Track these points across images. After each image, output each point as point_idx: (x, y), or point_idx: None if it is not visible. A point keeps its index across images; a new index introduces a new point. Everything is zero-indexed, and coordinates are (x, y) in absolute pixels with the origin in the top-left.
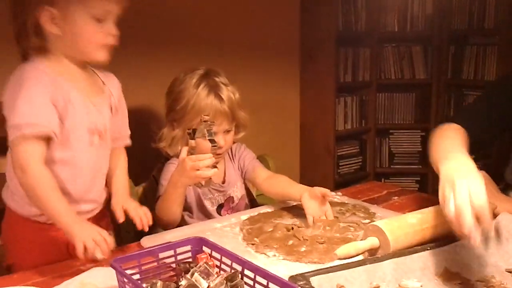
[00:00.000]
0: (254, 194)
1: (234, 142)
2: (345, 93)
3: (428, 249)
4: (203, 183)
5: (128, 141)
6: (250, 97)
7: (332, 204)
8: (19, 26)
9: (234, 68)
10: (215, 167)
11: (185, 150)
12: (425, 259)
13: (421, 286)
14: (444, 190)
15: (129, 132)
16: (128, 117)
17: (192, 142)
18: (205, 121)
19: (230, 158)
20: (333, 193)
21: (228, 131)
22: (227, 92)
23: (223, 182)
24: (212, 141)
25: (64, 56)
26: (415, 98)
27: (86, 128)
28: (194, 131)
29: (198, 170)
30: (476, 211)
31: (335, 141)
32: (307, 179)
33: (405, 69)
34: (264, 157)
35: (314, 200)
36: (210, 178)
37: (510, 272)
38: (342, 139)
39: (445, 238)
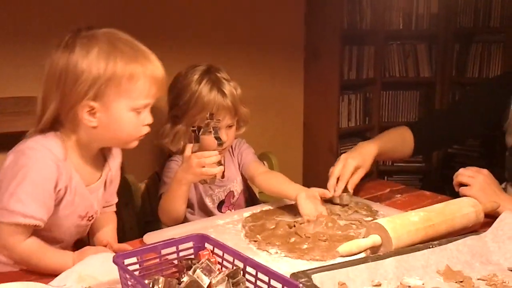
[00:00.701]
0: (257, 192)
1: (235, 138)
2: (349, 91)
3: (430, 247)
4: (208, 180)
5: (114, 208)
6: (254, 94)
7: (335, 202)
8: (53, 114)
9: (238, 65)
10: (220, 164)
11: (189, 147)
12: (427, 257)
13: (423, 284)
14: None
15: (116, 200)
16: None
17: (197, 139)
18: (211, 118)
19: (230, 153)
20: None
21: (230, 127)
22: (229, 87)
23: (223, 177)
24: (218, 138)
25: (87, 141)
26: (419, 96)
27: (77, 215)
28: (200, 128)
29: (204, 167)
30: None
31: (338, 139)
32: (310, 177)
33: (410, 67)
34: (267, 155)
35: (310, 200)
36: (215, 176)
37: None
38: (346, 137)
39: (447, 237)
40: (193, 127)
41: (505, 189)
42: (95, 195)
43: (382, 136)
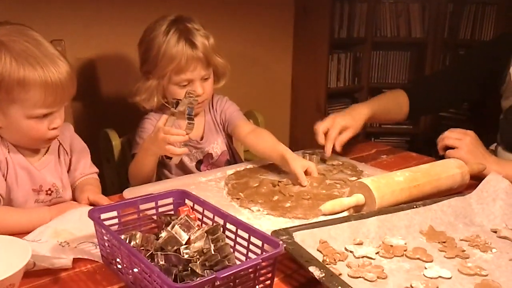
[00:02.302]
0: (242, 150)
1: (215, 94)
2: (339, 50)
3: (414, 207)
4: (171, 157)
5: (95, 175)
6: (241, 51)
7: (322, 161)
8: None
9: (225, 20)
10: (185, 145)
11: (164, 118)
12: (410, 217)
13: (405, 243)
14: None
15: (93, 170)
16: (110, 70)
17: (173, 110)
18: (189, 96)
19: (210, 111)
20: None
21: (205, 79)
22: (200, 37)
23: (201, 139)
24: (190, 119)
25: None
26: (410, 57)
27: (30, 189)
28: (178, 102)
29: (169, 143)
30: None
31: (326, 99)
32: (296, 136)
33: (402, 26)
34: (253, 112)
35: (297, 159)
36: (180, 155)
37: (494, 231)
38: (334, 96)
39: (432, 197)
40: (173, 99)
41: (495, 151)
42: (47, 169)
43: (376, 99)
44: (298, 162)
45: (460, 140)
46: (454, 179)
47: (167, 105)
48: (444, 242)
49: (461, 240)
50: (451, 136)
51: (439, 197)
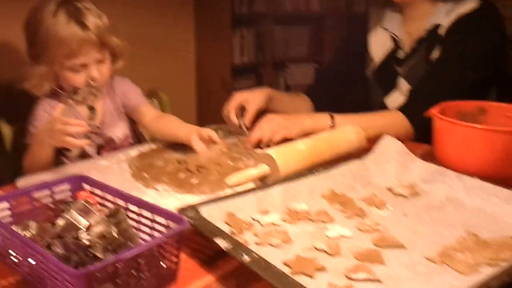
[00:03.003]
0: (147, 136)
1: (114, 75)
2: (241, 25)
3: (315, 173)
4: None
5: None
6: (141, 30)
7: (227, 136)
8: None
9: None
10: (88, 137)
11: (60, 107)
12: (312, 183)
13: (308, 208)
14: None
15: None
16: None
17: (71, 99)
18: (89, 85)
19: (109, 94)
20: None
21: (101, 62)
22: (92, 18)
23: (101, 124)
24: (91, 109)
25: None
26: (309, 31)
27: None
28: (76, 90)
29: (68, 135)
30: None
31: (231, 75)
32: (203, 114)
33: (300, 1)
34: (157, 92)
35: (204, 141)
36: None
37: (389, 190)
38: (239, 72)
39: (332, 163)
40: (71, 87)
41: None
42: None
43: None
44: (194, 132)
45: (271, 130)
46: (352, 144)
47: (61, 92)
48: (344, 203)
49: (359, 200)
50: (262, 133)
51: (338, 162)
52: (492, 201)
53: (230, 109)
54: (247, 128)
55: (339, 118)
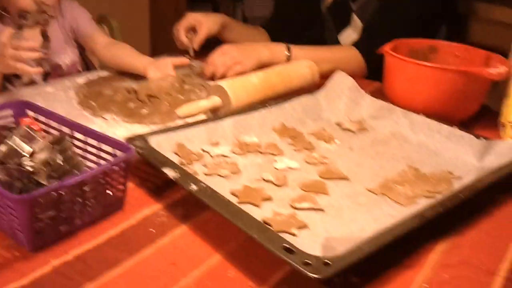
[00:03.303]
0: (97, 64)
1: None
2: None
3: (267, 106)
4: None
5: None
6: None
7: (179, 67)
8: None
9: None
10: (40, 65)
11: (8, 31)
12: (264, 116)
13: (259, 140)
14: None
15: None
16: None
17: (20, 26)
18: (42, 11)
19: (57, 18)
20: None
21: None
22: None
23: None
24: (45, 36)
25: None
26: None
27: None
28: (26, 15)
29: (20, 61)
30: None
31: (186, 3)
32: (156, 43)
33: None
34: (106, 18)
35: (161, 73)
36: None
37: (338, 125)
38: (194, 0)
39: (284, 97)
40: (19, 10)
41: None
42: None
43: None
44: (152, 63)
45: (224, 65)
46: (305, 78)
47: (5, 14)
48: (294, 136)
49: (309, 134)
50: (214, 67)
51: (291, 96)
52: (435, 137)
53: (180, 29)
54: (195, 51)
55: (295, 49)
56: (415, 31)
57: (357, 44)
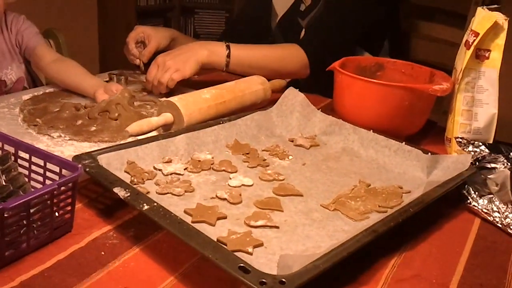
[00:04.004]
0: (44, 80)
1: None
2: None
3: (220, 123)
4: None
5: None
6: None
7: (130, 82)
8: None
9: None
10: None
11: None
12: (217, 133)
13: (212, 157)
14: None
15: None
16: None
17: None
18: None
19: (3, 32)
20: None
21: None
22: None
23: None
24: None
25: None
26: None
27: None
28: None
29: None
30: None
31: (137, 18)
32: (106, 58)
33: None
34: (53, 32)
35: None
36: None
37: (292, 141)
38: (145, 16)
39: (237, 113)
40: None
41: None
42: None
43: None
44: (101, 86)
45: (161, 77)
46: (257, 95)
47: None
48: (247, 153)
49: (263, 150)
50: (152, 82)
51: (244, 113)
52: (384, 152)
53: (130, 41)
54: (144, 65)
55: (235, 47)
56: (357, 36)
57: (299, 42)
